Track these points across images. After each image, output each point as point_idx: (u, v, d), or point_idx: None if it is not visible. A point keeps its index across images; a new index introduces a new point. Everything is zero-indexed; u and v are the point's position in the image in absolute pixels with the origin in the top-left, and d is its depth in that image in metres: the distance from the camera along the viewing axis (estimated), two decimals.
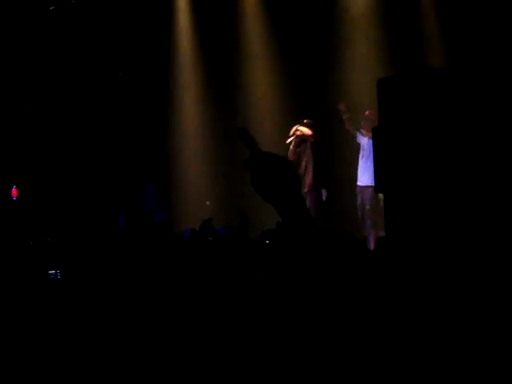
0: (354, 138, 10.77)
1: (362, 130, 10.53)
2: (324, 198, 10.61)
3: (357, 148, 10.77)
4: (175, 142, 12.58)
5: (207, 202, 12.10)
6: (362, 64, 11.28)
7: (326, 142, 11.04)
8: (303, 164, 10.68)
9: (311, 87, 11.70)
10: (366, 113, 10.52)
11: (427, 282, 2.02)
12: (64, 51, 11.93)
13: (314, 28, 11.66)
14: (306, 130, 10.88)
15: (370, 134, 10.08)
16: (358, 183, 10.73)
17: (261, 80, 12.28)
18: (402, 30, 11.18)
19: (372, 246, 9.53)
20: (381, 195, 9.73)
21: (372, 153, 10.07)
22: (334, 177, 11.06)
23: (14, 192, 11.70)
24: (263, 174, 1.96)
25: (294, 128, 10.92)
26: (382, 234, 9.70)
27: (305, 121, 10.90)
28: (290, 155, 10.72)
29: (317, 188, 10.57)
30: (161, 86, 12.60)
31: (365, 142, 10.55)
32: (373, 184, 10.21)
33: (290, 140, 10.83)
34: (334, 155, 11.27)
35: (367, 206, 10.53)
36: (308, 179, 10.56)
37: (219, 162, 12.17)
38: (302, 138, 10.84)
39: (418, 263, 2.07)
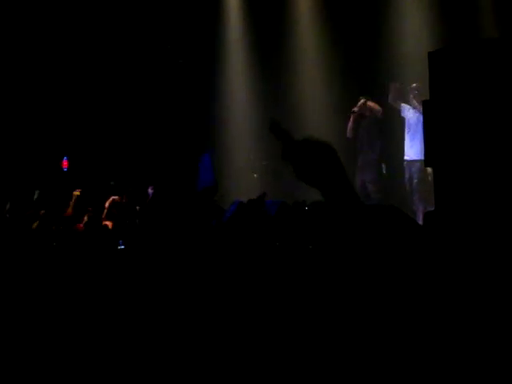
0: (399, 111, 10.63)
1: (413, 103, 10.37)
2: (385, 171, 10.61)
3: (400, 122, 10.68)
4: (224, 114, 12.63)
5: (255, 175, 12.14)
6: (413, 36, 11.09)
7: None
8: (364, 140, 10.59)
9: (362, 61, 11.55)
10: (414, 85, 10.36)
11: (474, 260, 1.99)
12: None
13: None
14: (376, 106, 10.77)
15: (418, 107, 9.96)
16: (406, 157, 10.59)
17: (311, 54, 12.18)
18: (455, 1, 10.94)
19: (421, 220, 9.45)
20: (429, 169, 9.61)
21: (419, 126, 10.10)
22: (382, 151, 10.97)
23: (65, 163, 11.92)
24: (303, 162, 1.94)
25: (362, 102, 10.79)
26: (431, 208, 9.60)
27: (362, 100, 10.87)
28: (349, 132, 10.67)
29: (379, 162, 10.57)
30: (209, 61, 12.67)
31: (411, 115, 10.41)
32: (420, 158, 10.20)
33: (355, 110, 10.71)
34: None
35: (415, 180, 10.41)
36: (371, 155, 10.50)
37: (266, 137, 12.15)
38: (360, 114, 10.75)
39: (466, 240, 2.03)
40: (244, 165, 12.27)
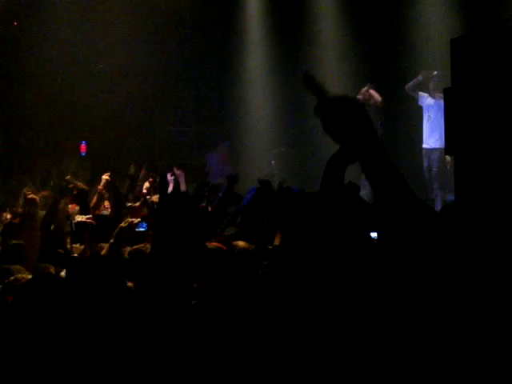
0: (416, 99, 10.56)
1: (433, 91, 10.28)
2: None
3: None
4: (242, 104, 12.62)
5: (272, 162, 12.12)
6: (434, 22, 10.96)
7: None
8: None
9: (378, 47, 11.45)
10: (435, 73, 10.28)
11: (496, 252, 1.94)
12: None
13: None
14: (376, 95, 10.76)
15: (439, 95, 9.87)
16: (424, 145, 10.52)
17: (333, 42, 12.09)
18: None
19: (439, 208, 9.37)
20: (448, 157, 9.53)
21: (439, 115, 10.00)
22: (398, 139, 10.89)
23: (83, 148, 11.96)
24: (334, 117, 1.91)
25: (364, 89, 10.79)
26: (450, 197, 9.53)
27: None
28: None
29: None
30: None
31: (431, 103, 10.33)
32: (440, 146, 10.11)
33: (359, 97, 10.68)
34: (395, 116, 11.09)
35: (434, 169, 10.34)
36: None
37: (284, 125, 12.16)
38: (364, 102, 10.73)
39: (485, 232, 1.98)
40: (262, 151, 12.25)
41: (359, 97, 10.64)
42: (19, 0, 11.88)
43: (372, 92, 10.77)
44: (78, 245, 5.43)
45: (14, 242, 5.35)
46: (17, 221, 6.20)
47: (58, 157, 11.02)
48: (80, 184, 6.30)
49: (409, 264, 1.88)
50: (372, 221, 2.40)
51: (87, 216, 5.26)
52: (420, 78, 10.46)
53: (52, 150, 11.60)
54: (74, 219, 5.47)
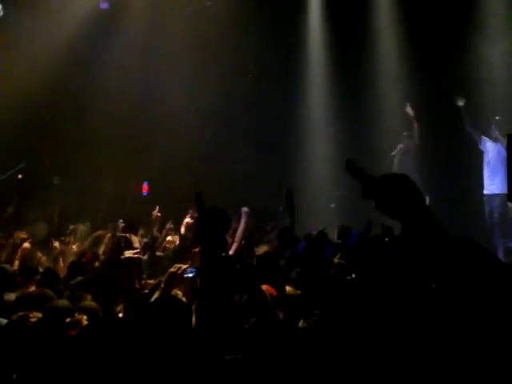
0: (477, 143, 10.45)
1: (495, 135, 10.18)
2: (427, 202, 10.55)
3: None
4: (301, 148, 12.73)
5: (331, 205, 12.10)
6: (497, 65, 10.86)
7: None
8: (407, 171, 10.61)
9: (439, 87, 11.42)
10: (497, 118, 10.18)
11: None
12: None
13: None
14: (410, 110, 11.03)
15: (501, 140, 9.76)
16: (485, 192, 10.37)
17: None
18: None
19: (502, 255, 9.19)
20: (510, 204, 9.37)
21: (499, 160, 9.85)
22: (455, 185, 10.79)
23: (145, 188, 12.19)
24: (384, 198, 1.94)
25: (408, 110, 11.06)
26: None
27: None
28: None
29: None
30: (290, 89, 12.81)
31: (491, 147, 10.21)
32: (501, 192, 9.94)
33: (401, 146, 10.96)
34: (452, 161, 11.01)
35: (496, 215, 10.17)
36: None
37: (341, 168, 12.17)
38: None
39: None
40: (320, 195, 12.27)
41: (401, 145, 10.92)
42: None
43: (407, 109, 11.05)
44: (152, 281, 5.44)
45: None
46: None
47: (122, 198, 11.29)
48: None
49: (472, 310, 1.87)
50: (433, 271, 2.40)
51: (135, 251, 5.29)
52: (461, 104, 10.40)
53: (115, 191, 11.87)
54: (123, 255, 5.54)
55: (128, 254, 5.19)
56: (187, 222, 8.02)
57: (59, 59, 11.74)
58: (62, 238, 9.00)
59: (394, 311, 2.33)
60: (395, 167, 11.15)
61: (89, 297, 4.79)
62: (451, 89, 11.03)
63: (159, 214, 8.62)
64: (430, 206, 2.01)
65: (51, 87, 11.78)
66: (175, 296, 4.42)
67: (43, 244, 7.98)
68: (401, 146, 11.14)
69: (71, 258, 6.66)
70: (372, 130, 11.71)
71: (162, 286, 4.61)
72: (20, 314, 3.84)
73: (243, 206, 7.60)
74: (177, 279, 4.66)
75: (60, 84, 12.07)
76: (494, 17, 10.96)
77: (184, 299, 4.53)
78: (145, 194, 12.18)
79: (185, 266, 4.74)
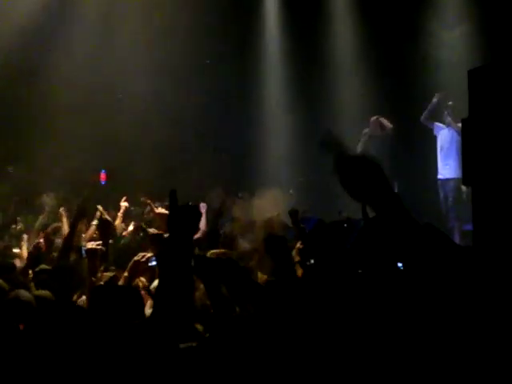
0: (432, 129, 10.61)
1: (448, 120, 10.32)
2: (396, 190, 10.60)
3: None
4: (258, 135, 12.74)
5: (290, 191, 12.13)
6: (450, 52, 11.02)
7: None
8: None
9: (394, 77, 11.53)
10: (450, 103, 10.32)
11: None
12: None
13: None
14: (386, 121, 10.92)
15: (453, 125, 9.91)
16: (439, 176, 10.53)
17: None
18: (497, 20, 10.85)
19: (457, 238, 9.34)
20: (464, 187, 9.52)
21: (453, 145, 10.00)
22: (411, 169, 10.93)
23: (103, 176, 12.06)
24: (352, 178, 1.95)
25: (375, 118, 10.93)
26: (467, 227, 9.51)
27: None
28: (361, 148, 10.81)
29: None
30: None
31: (445, 133, 10.36)
32: (455, 176, 10.10)
33: (367, 131, 10.93)
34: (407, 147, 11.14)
35: (450, 199, 10.33)
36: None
37: (300, 152, 12.23)
38: (370, 136, 10.97)
39: (507, 261, 2.00)
40: (280, 181, 12.30)
41: (366, 131, 10.86)
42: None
43: (382, 120, 10.90)
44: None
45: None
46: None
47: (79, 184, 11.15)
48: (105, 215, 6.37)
49: (432, 293, 1.90)
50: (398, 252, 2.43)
51: (97, 242, 5.27)
52: (435, 100, 10.50)
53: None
54: (85, 245, 5.52)
55: (90, 245, 5.17)
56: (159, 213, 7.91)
57: (12, 45, 11.50)
58: (13, 226, 8.99)
59: (357, 294, 2.35)
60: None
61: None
62: (409, 74, 11.18)
63: (127, 204, 8.65)
64: (399, 193, 2.02)
65: (4, 73, 11.59)
66: (130, 285, 4.42)
67: None
68: (365, 130, 11.11)
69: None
70: (329, 120, 11.78)
71: (126, 274, 4.61)
72: None
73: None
74: (141, 267, 4.67)
75: (14, 70, 11.86)
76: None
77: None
78: (102, 182, 12.06)
79: (149, 255, 4.74)
